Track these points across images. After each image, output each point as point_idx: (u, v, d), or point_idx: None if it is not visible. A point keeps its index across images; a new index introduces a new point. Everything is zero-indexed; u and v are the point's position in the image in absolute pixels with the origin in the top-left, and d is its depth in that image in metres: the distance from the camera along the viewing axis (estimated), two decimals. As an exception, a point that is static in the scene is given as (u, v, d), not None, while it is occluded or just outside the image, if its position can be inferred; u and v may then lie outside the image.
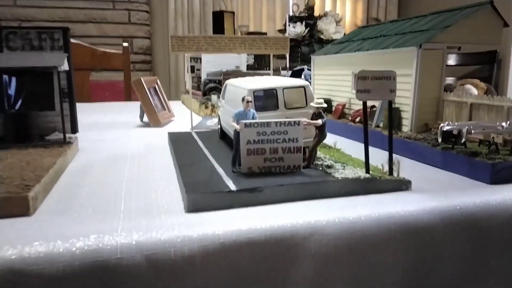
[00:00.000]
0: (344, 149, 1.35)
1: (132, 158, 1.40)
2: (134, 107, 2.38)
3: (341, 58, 1.95)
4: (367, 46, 1.78)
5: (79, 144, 1.53)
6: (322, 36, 5.16)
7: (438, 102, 1.49)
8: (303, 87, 1.13)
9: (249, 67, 4.23)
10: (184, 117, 2.35)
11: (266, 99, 1.12)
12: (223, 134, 1.47)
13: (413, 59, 1.43)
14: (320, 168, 1.05)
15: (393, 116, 1.46)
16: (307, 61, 5.14)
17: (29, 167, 1.07)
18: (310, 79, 2.58)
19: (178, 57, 6.23)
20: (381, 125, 1.59)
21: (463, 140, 1.14)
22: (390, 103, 1.05)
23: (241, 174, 1.02)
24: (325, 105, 1.04)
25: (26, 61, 1.32)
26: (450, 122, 1.20)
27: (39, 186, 0.93)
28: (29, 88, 1.42)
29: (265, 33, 6.35)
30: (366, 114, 1.04)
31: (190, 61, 3.48)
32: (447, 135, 1.21)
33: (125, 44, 3.84)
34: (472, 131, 1.12)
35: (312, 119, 1.06)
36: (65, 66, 1.40)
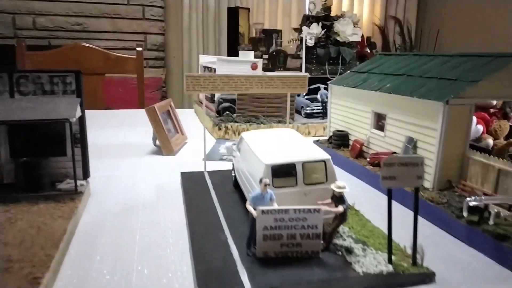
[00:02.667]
0: (362, 206, 1.30)
1: (144, 209, 1.37)
2: (146, 118, 2.29)
3: (361, 93, 1.88)
4: (389, 86, 1.70)
5: (91, 184, 1.50)
6: (338, 38, 5.02)
7: (463, 158, 1.42)
8: (324, 161, 1.07)
9: (264, 69, 4.12)
10: (197, 136, 2.32)
11: (284, 173, 1.07)
12: (236, 183, 1.44)
13: (439, 114, 1.36)
14: (340, 253, 1.01)
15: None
16: (322, 64, 5.00)
17: (39, 238, 1.05)
18: (327, 98, 2.51)
19: (192, 55, 6.15)
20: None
21: (491, 222, 1.08)
22: (417, 189, 0.98)
23: (256, 259, 0.98)
24: (347, 189, 0.98)
25: (37, 112, 1.29)
26: (476, 197, 1.14)
27: (49, 274, 0.90)
28: (40, 135, 1.40)
29: (280, 30, 6.24)
30: (391, 206, 0.97)
31: (204, 70, 3.42)
32: (473, 209, 1.15)
33: (139, 49, 3.79)
34: (501, 214, 1.06)
35: (332, 200, 1.01)
36: (78, 114, 1.36)
